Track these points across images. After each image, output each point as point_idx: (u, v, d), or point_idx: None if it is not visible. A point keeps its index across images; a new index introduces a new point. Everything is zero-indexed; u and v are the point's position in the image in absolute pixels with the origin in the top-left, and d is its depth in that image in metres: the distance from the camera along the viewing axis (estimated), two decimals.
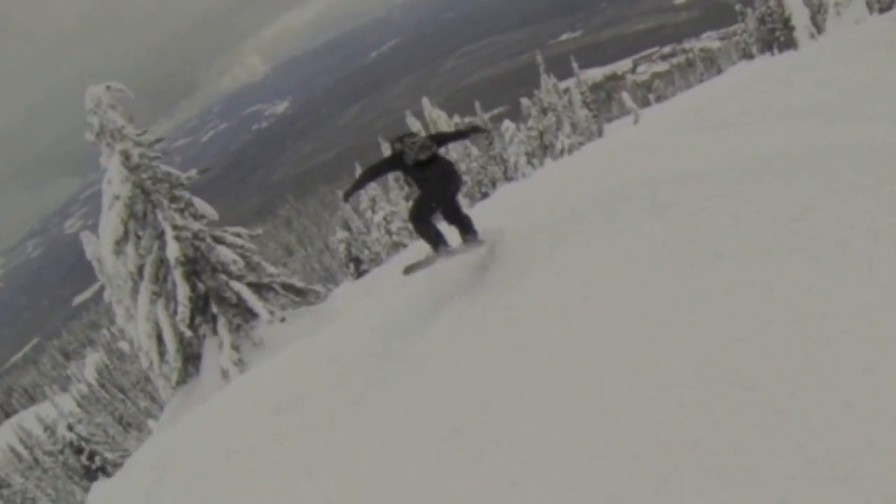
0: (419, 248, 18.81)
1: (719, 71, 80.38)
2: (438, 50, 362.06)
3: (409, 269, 8.49)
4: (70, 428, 38.35)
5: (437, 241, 8.16)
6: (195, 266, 17.96)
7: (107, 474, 36.89)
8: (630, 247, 6.22)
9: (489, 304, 6.86)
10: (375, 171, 8.32)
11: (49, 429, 42.97)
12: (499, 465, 4.21)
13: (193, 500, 6.40)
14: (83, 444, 38.26)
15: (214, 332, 18.30)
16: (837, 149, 7.30)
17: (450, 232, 8.53)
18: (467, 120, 61.52)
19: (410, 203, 8.46)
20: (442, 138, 8.53)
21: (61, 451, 39.61)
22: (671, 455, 3.49)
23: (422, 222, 8.08)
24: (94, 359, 74.16)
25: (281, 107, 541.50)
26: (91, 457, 38.44)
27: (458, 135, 8.99)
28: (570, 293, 5.95)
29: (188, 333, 17.57)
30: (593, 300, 5.57)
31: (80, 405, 59.32)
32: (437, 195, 8.13)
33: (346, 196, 8.51)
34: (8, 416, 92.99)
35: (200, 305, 18.28)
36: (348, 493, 4.95)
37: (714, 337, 4.24)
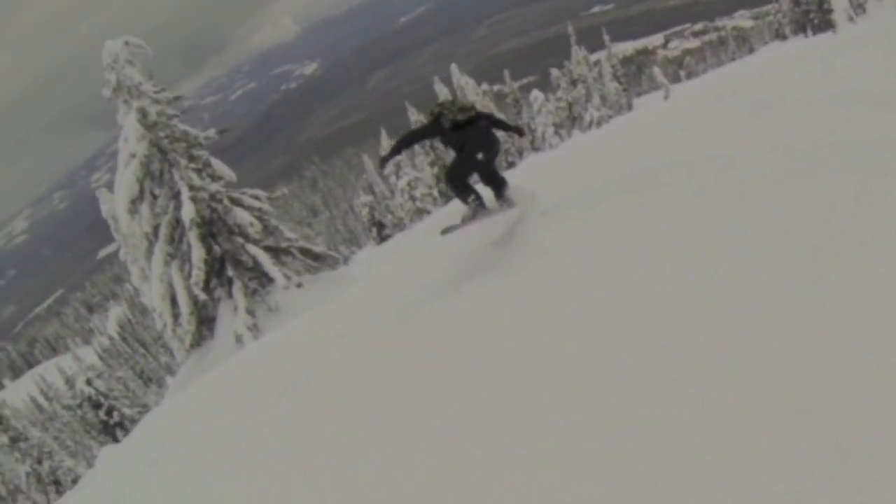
0: (452, 210, 18.42)
1: (751, 50, 79.27)
2: (469, 18, 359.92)
3: (446, 231, 8.39)
4: (89, 382, 38.40)
5: (474, 202, 8.10)
6: (211, 228, 17.64)
7: (124, 430, 37.05)
8: (665, 233, 5.76)
9: (511, 291, 6.44)
10: (413, 137, 8.36)
11: (69, 381, 43.21)
12: (512, 484, 3.77)
13: (186, 495, 6.13)
14: (101, 398, 38.35)
15: (230, 295, 18.03)
16: (890, 140, 6.77)
17: (485, 193, 8.42)
18: (496, 88, 61.10)
19: (448, 164, 8.43)
20: (488, 116, 8.35)
21: (80, 406, 39.78)
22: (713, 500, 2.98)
23: (459, 183, 8.05)
24: (116, 312, 74.99)
25: (310, 68, 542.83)
26: (109, 412, 38.53)
27: (503, 124, 8.67)
28: (597, 282, 5.51)
29: (202, 296, 17.28)
30: (623, 293, 5.09)
31: (101, 358, 60.11)
32: (474, 157, 7.98)
33: (383, 162, 8.49)
34: (31, 366, 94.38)
35: (216, 268, 18.00)
36: (345, 499, 4.56)
37: (761, 347, 3.73)
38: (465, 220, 8.15)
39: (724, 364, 3.73)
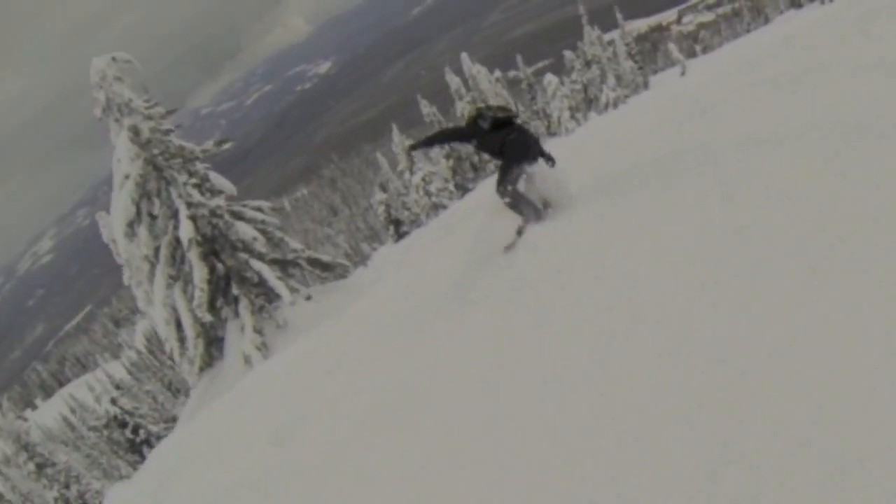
0: (474, 202, 17.51)
1: (767, 21, 77.42)
2: (481, 4, 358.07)
3: (508, 248, 7.94)
4: (114, 402, 38.16)
5: (527, 211, 7.95)
6: (214, 245, 16.87)
7: (151, 447, 36.74)
8: (695, 241, 4.87)
9: (519, 318, 5.59)
10: (449, 136, 8.74)
11: (97, 400, 43.15)
12: None
13: None
14: (127, 417, 38.08)
15: (237, 314, 17.27)
16: None
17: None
18: (511, 74, 60.22)
19: (497, 175, 8.20)
20: (530, 132, 8.38)
21: (106, 426, 39.60)
22: None
23: (510, 193, 7.83)
24: (143, 325, 74.83)
25: (324, 66, 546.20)
26: (135, 430, 38.29)
27: (540, 148, 8.35)
28: (615, 307, 4.61)
29: (207, 318, 16.49)
30: (645, 326, 4.16)
31: (129, 372, 60.06)
32: (518, 159, 7.79)
33: (412, 148, 8.42)
34: (61, 385, 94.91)
35: (221, 286, 17.27)
36: None
37: (826, 406, 2.76)
38: (521, 231, 7.93)
39: (777, 433, 2.77)
